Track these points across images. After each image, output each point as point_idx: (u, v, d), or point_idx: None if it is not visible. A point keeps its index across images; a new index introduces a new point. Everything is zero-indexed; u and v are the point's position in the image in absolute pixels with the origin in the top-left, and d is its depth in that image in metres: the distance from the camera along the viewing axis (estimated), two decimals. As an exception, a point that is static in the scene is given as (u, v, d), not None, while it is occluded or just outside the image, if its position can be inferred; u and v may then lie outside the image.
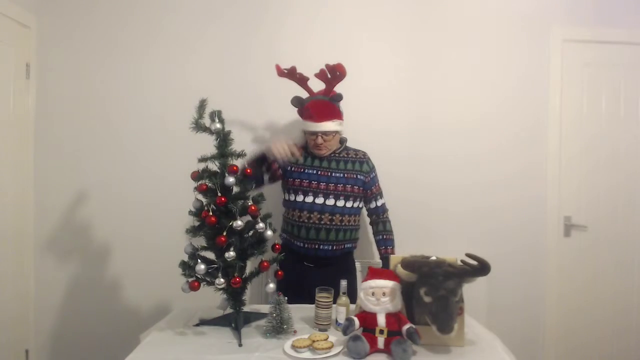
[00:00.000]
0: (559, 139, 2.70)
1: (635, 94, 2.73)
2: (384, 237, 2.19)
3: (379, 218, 2.22)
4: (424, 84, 2.64)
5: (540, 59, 2.68)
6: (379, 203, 2.21)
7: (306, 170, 2.09)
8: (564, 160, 2.71)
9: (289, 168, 2.12)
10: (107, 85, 2.56)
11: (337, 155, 2.13)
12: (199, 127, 1.60)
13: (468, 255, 1.44)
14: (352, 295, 2.14)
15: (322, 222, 2.04)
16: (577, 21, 2.69)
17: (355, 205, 2.11)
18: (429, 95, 2.64)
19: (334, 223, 2.04)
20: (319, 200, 2.04)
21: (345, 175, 2.09)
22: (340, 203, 2.05)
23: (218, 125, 1.60)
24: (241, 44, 2.57)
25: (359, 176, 2.11)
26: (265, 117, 2.59)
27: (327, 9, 2.59)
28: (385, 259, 2.12)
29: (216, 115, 1.61)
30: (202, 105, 1.61)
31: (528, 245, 2.70)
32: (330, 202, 2.04)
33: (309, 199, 2.05)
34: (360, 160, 2.16)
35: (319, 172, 2.08)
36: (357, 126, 2.48)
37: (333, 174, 2.07)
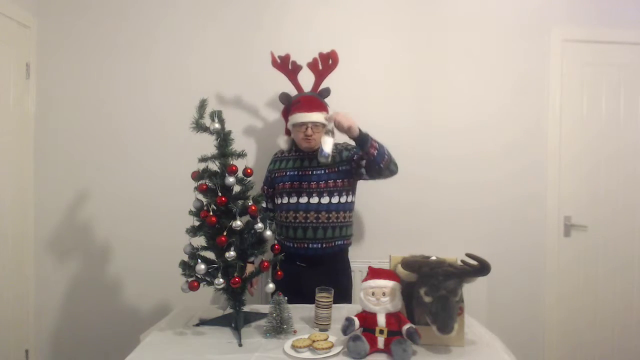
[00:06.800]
0: (559, 139, 2.70)
1: (635, 94, 2.73)
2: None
3: None
4: (423, 84, 2.64)
5: (540, 59, 2.68)
6: None
7: (288, 173, 2.12)
8: (564, 160, 2.71)
9: (273, 175, 2.17)
10: (107, 85, 2.56)
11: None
12: (199, 127, 1.60)
13: (468, 255, 1.44)
14: (347, 296, 2.15)
15: (309, 221, 2.04)
16: (577, 21, 2.69)
17: (343, 200, 2.09)
18: (428, 95, 2.64)
19: (320, 221, 2.04)
20: (303, 199, 2.05)
21: (326, 170, 2.08)
22: (325, 200, 2.05)
23: (218, 126, 1.60)
24: (241, 41, 2.57)
25: (340, 168, 2.09)
26: (265, 114, 2.60)
27: (327, 6, 2.59)
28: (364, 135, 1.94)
29: (216, 115, 1.61)
30: (202, 105, 1.61)
31: (528, 245, 2.70)
32: (314, 200, 2.04)
33: (294, 200, 2.07)
34: (340, 150, 2.13)
35: (300, 172, 2.09)
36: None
37: (314, 172, 2.08)
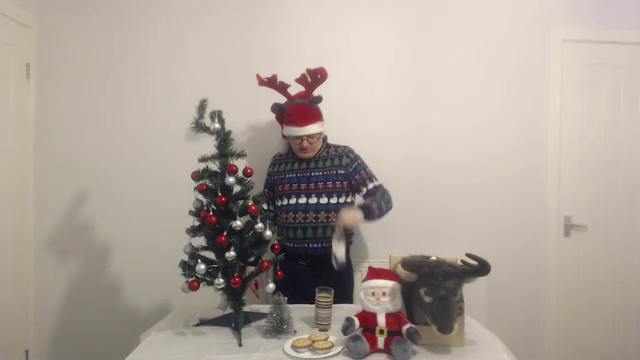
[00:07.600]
0: (559, 139, 2.70)
1: (635, 94, 2.73)
2: (374, 198, 2.05)
3: (377, 194, 2.09)
4: (423, 85, 2.64)
5: (540, 59, 2.68)
6: (371, 186, 2.10)
7: (287, 175, 2.14)
8: (564, 160, 2.71)
9: (273, 178, 2.18)
10: (107, 85, 2.56)
11: (316, 155, 2.14)
12: (199, 127, 1.60)
13: (468, 255, 1.44)
14: (349, 295, 2.15)
15: (308, 221, 2.05)
16: (577, 21, 2.69)
17: (341, 200, 2.10)
18: (428, 96, 2.64)
19: (319, 220, 2.05)
20: (302, 200, 2.07)
21: (325, 172, 2.09)
22: (323, 200, 2.06)
23: (218, 126, 1.60)
24: (240, 41, 2.57)
25: (338, 171, 2.10)
26: (264, 114, 2.59)
27: (326, 6, 2.58)
28: (364, 205, 2.02)
29: (216, 115, 1.61)
30: (202, 105, 1.61)
31: (528, 245, 2.70)
32: (313, 200, 2.06)
33: (293, 201, 2.09)
34: (340, 155, 2.14)
35: (299, 174, 2.11)
36: (357, 128, 2.50)
37: (312, 174, 2.09)
